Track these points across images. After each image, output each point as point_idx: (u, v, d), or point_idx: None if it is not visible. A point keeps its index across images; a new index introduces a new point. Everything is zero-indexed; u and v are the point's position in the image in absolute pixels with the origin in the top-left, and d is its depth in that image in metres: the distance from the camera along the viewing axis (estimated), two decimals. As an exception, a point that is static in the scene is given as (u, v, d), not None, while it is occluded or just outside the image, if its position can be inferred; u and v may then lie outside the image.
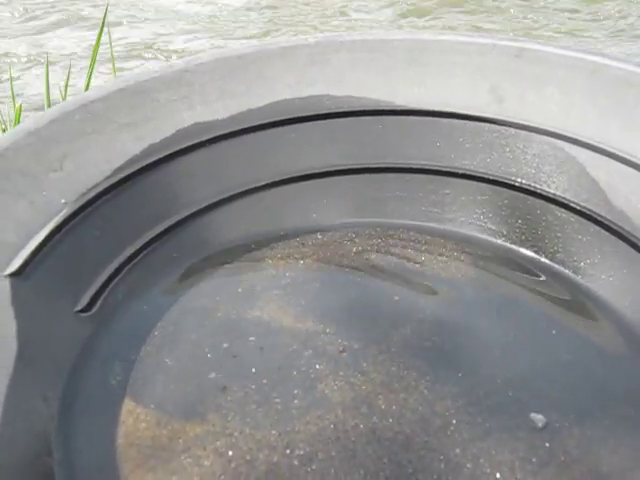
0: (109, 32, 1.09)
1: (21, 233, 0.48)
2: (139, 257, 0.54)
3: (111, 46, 1.00)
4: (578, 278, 0.56)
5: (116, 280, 0.52)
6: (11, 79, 1.11)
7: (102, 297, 0.51)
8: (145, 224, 0.55)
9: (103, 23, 0.93)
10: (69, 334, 0.48)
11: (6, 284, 0.45)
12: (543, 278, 0.56)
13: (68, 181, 0.52)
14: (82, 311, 0.49)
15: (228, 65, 0.61)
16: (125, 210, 0.54)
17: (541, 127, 0.57)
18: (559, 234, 0.57)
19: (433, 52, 0.61)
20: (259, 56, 0.61)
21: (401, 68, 0.62)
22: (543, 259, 0.58)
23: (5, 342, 0.42)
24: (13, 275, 0.45)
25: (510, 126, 0.59)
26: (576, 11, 2.24)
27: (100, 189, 0.53)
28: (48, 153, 0.52)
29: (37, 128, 0.53)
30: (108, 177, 0.54)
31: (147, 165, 0.55)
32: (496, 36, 0.61)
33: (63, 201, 0.51)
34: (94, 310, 0.50)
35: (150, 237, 0.55)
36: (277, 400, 0.46)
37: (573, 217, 0.56)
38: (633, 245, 0.52)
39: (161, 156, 0.56)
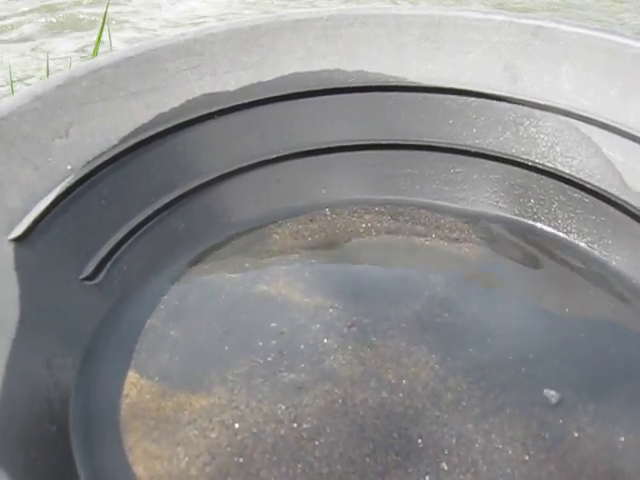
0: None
1: (26, 198, 0.47)
2: (145, 227, 0.53)
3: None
4: (592, 257, 0.55)
5: (121, 250, 0.51)
6: (10, 74, 1.09)
7: (107, 266, 0.50)
8: (152, 194, 0.54)
9: (104, 21, 0.92)
10: (73, 302, 0.47)
11: (10, 249, 0.44)
12: (555, 256, 0.56)
13: (74, 148, 0.51)
14: (86, 279, 0.48)
15: (240, 36, 0.60)
16: (132, 179, 0.53)
17: (556, 106, 0.57)
18: (572, 214, 0.56)
19: (447, 28, 0.61)
20: (271, 28, 0.60)
21: (414, 44, 0.61)
22: (556, 238, 0.57)
23: (8, 307, 0.41)
24: (17, 240, 0.44)
25: (524, 105, 0.58)
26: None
27: (107, 157, 0.52)
28: (54, 119, 0.51)
29: (43, 93, 0.51)
30: (115, 145, 0.53)
31: (155, 134, 0.54)
32: (512, 13, 0.60)
33: (69, 167, 0.50)
34: (99, 279, 0.49)
35: (157, 208, 0.54)
36: (284, 374, 0.45)
37: (587, 197, 0.55)
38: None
39: (170, 126, 0.55)
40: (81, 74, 0.54)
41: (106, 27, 0.94)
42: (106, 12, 0.93)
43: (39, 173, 0.48)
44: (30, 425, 0.38)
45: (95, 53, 0.85)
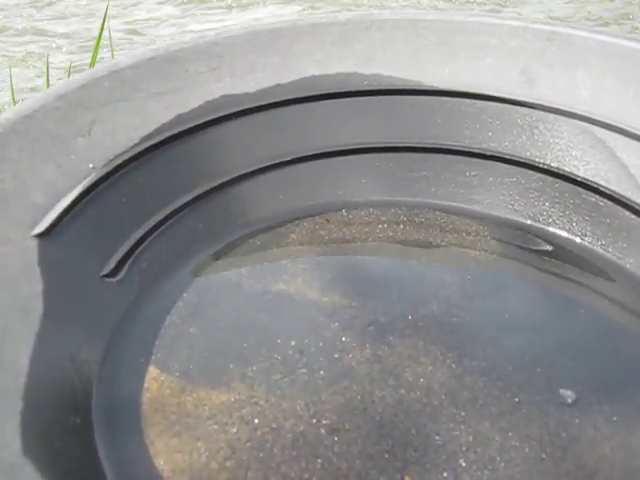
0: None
1: (49, 195, 0.47)
2: (164, 226, 0.54)
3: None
4: (606, 260, 0.56)
5: (141, 248, 0.52)
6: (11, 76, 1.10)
7: (127, 264, 0.50)
8: (171, 194, 0.55)
9: (104, 20, 0.92)
10: (95, 298, 0.47)
11: (34, 244, 0.45)
12: (569, 259, 0.56)
13: (96, 147, 0.52)
14: (107, 276, 0.49)
15: (259, 39, 0.60)
16: (152, 179, 0.54)
17: (571, 111, 0.57)
18: (587, 217, 0.57)
19: (464, 33, 0.61)
20: (290, 32, 0.61)
21: (431, 48, 0.61)
22: (570, 241, 0.58)
23: (32, 300, 0.42)
24: (40, 236, 0.45)
25: (540, 109, 0.58)
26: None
27: (127, 156, 0.52)
28: (76, 118, 0.52)
29: (66, 92, 0.52)
30: (135, 145, 0.53)
31: (175, 135, 0.55)
32: (528, 19, 0.61)
33: (91, 166, 0.51)
34: (119, 276, 0.50)
35: (176, 207, 0.54)
36: (303, 371, 0.45)
37: (602, 201, 0.55)
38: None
39: (189, 126, 0.56)
40: (103, 74, 0.55)
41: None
42: (105, 16, 0.93)
43: (62, 170, 0.49)
44: (54, 417, 0.38)
45: (92, 63, 0.84)
